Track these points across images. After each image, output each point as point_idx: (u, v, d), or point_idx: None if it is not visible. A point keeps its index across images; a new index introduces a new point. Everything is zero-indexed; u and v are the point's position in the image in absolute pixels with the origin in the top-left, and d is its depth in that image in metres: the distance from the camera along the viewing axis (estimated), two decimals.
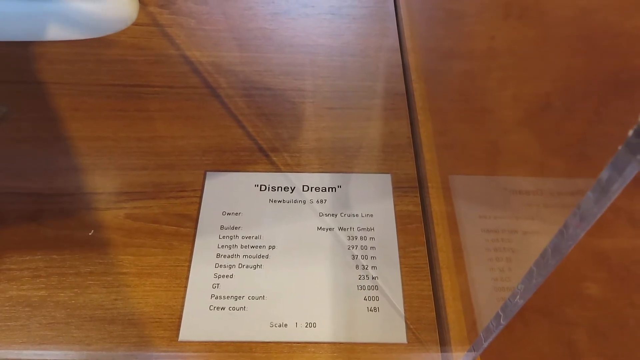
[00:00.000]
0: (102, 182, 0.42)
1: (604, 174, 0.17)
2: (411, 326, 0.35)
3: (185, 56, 0.50)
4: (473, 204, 0.41)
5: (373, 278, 0.37)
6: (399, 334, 0.35)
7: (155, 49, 0.51)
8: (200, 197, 0.41)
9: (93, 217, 0.40)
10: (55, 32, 0.46)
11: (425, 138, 0.44)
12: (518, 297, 0.26)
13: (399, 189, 0.42)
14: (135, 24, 0.51)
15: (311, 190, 0.41)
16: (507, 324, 0.28)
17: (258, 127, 0.46)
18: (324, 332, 0.35)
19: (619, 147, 0.16)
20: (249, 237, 0.39)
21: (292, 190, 0.41)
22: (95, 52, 0.50)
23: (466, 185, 0.42)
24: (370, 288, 0.37)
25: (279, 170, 0.43)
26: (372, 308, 0.36)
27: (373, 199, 0.41)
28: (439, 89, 0.49)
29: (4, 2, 0.40)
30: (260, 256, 0.38)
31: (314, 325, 0.35)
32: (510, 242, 0.37)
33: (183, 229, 0.39)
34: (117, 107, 0.46)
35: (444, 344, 0.35)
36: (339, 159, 0.44)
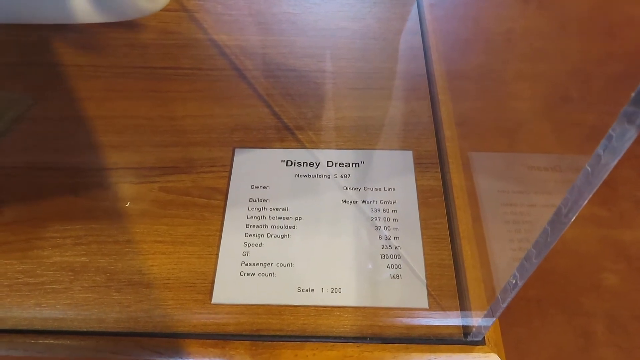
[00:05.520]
0: (136, 157, 0.44)
1: (611, 133, 0.19)
2: (432, 292, 0.37)
3: (213, 40, 0.52)
4: (491, 179, 0.42)
5: (396, 247, 0.39)
6: (420, 300, 0.37)
7: (184, 33, 0.53)
8: (230, 172, 0.43)
9: (128, 190, 0.42)
10: (90, 15, 0.48)
11: (446, 116, 0.46)
12: (534, 257, 0.27)
13: (420, 165, 0.43)
14: (164, 9, 0.54)
15: (335, 166, 0.43)
16: (523, 284, 0.29)
17: (283, 106, 0.47)
18: (349, 297, 0.37)
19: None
20: (277, 209, 0.41)
21: (317, 166, 0.43)
22: (127, 36, 0.52)
23: (485, 161, 0.43)
24: (393, 257, 0.38)
25: (304, 147, 0.45)
26: (395, 275, 0.38)
27: (395, 174, 0.43)
28: (459, 69, 0.50)
29: None
30: (287, 226, 0.40)
31: (339, 290, 0.37)
32: (526, 215, 0.38)
33: (214, 201, 0.41)
34: (149, 88, 0.48)
35: (464, 309, 0.36)
36: (362, 137, 0.45)
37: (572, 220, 0.24)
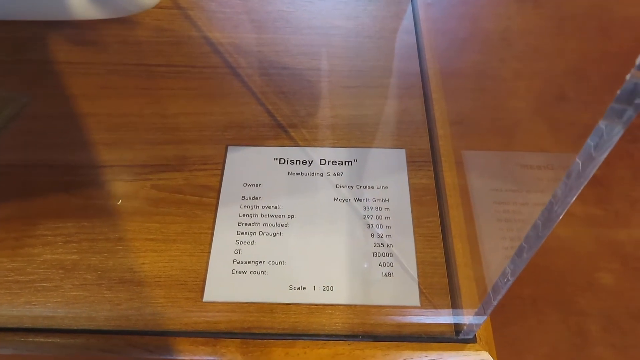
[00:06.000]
0: (128, 155, 0.44)
1: (602, 125, 0.19)
2: (424, 291, 0.37)
3: (207, 37, 0.52)
4: (484, 177, 0.42)
5: (388, 246, 0.39)
6: (412, 298, 0.36)
7: (178, 30, 0.53)
8: (222, 170, 0.43)
9: (120, 187, 0.42)
10: (83, 11, 0.48)
11: (439, 115, 0.46)
12: (525, 252, 0.27)
13: (413, 163, 0.43)
14: (157, 6, 0.53)
15: (328, 164, 0.43)
16: (515, 280, 0.29)
17: (276, 104, 0.47)
18: (340, 295, 0.36)
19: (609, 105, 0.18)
20: (269, 207, 0.41)
21: (310, 164, 0.43)
22: (120, 33, 0.52)
23: (478, 160, 0.43)
24: (385, 255, 0.38)
25: (297, 145, 0.44)
26: (387, 273, 0.37)
27: (388, 172, 0.43)
28: (452, 68, 0.50)
29: None
30: (279, 224, 0.40)
31: (331, 288, 0.37)
32: (519, 213, 0.38)
33: (206, 199, 0.41)
34: (142, 85, 0.48)
35: (455, 307, 0.36)
36: (355, 135, 0.45)
37: (563, 214, 0.24)
